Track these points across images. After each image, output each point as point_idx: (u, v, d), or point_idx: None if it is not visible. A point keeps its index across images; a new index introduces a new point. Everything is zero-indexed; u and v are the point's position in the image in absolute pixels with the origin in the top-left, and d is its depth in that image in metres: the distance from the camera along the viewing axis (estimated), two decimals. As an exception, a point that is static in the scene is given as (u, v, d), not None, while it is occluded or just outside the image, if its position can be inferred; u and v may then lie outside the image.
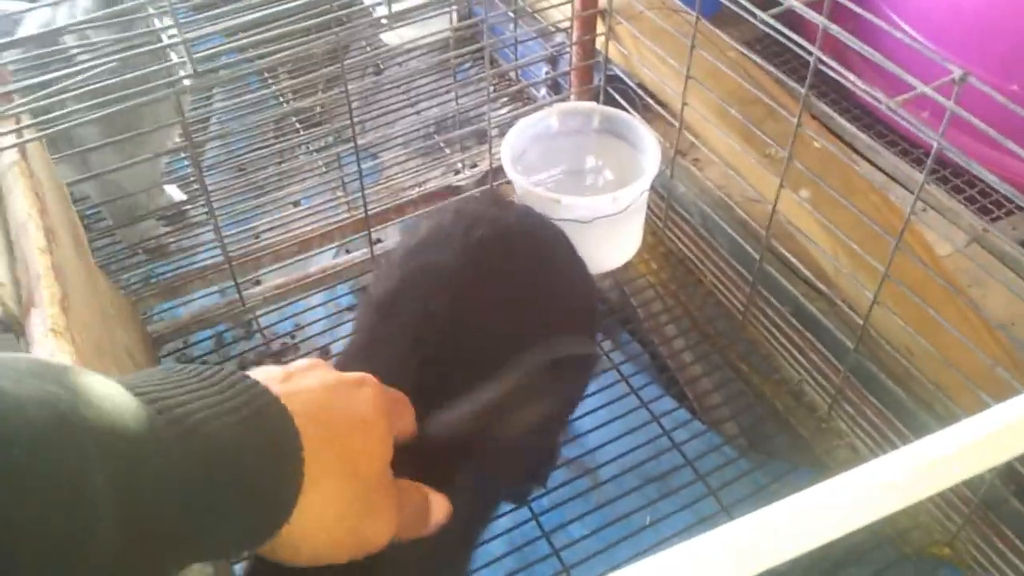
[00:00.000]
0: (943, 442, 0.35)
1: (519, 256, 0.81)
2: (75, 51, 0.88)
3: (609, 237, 1.16)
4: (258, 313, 1.29)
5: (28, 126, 0.79)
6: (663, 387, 1.16)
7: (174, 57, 0.91)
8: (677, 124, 1.14)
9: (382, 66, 1.69)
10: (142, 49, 0.84)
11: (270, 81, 1.61)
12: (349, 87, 1.03)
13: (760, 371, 1.13)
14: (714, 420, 1.13)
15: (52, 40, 0.92)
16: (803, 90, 0.89)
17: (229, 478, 0.40)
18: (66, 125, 0.79)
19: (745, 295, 1.13)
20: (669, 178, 1.20)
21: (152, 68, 0.84)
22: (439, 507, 0.56)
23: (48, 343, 0.60)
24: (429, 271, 0.75)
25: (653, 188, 1.25)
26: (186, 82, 0.81)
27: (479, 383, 0.57)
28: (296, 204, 1.43)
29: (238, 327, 1.40)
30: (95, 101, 0.80)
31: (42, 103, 0.79)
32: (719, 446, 1.09)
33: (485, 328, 0.73)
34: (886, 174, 1.43)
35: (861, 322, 0.92)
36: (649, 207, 1.24)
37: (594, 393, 1.11)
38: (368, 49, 1.65)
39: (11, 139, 0.77)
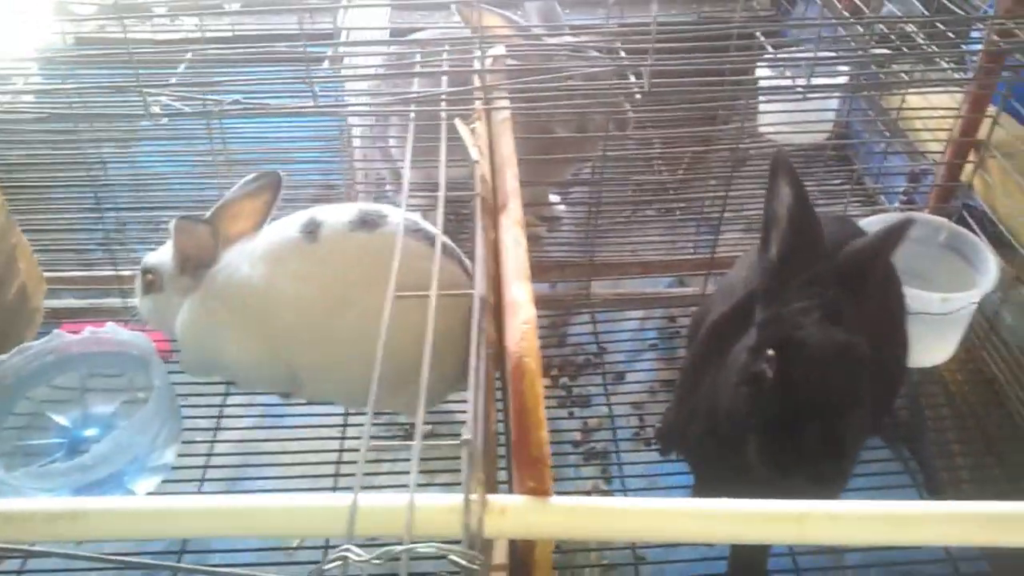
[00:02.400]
0: None
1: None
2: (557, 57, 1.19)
3: (928, 335, 1.26)
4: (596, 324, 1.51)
5: (520, 98, 1.08)
6: (919, 490, 1.24)
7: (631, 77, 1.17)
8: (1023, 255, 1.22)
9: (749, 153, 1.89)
10: (607, 67, 1.11)
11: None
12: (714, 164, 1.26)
13: (1043, 500, 1.17)
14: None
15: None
16: None
17: None
18: (543, 109, 1.07)
19: (1048, 426, 1.18)
20: (999, 303, 1.28)
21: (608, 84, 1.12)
22: None
23: (513, 230, 0.87)
24: None
25: (980, 309, 1.33)
26: (637, 96, 1.06)
27: None
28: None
29: (552, 335, 1.64)
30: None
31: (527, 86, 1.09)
32: (976, 559, 1.15)
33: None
34: None
35: None
36: (971, 325, 1.32)
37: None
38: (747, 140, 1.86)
39: (507, 103, 1.07)
